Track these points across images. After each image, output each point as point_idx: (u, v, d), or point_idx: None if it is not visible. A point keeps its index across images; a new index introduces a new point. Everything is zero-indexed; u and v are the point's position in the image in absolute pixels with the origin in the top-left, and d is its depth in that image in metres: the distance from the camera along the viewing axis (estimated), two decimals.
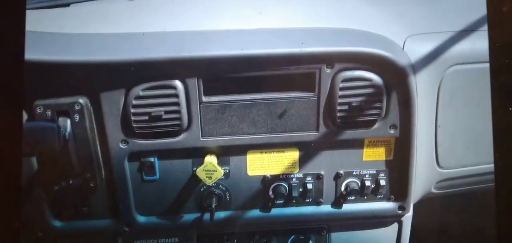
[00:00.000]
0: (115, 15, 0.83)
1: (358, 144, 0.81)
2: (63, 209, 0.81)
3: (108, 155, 0.77)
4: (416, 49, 0.77)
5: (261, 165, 0.81)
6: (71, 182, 0.77)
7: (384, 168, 0.83)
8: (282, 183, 0.83)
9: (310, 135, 0.79)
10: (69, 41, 0.74)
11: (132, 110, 0.73)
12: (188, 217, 0.84)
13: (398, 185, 0.84)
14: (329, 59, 0.73)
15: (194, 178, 0.80)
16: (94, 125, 0.74)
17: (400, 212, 0.86)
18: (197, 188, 0.82)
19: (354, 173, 0.84)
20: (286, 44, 0.73)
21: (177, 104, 0.73)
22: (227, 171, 0.81)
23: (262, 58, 0.72)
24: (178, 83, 0.72)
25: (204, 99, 0.74)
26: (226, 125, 0.77)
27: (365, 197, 0.85)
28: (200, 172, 0.78)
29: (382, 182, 0.83)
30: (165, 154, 0.79)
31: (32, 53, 0.68)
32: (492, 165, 0.68)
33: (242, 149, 0.80)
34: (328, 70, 0.74)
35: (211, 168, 0.78)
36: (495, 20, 0.64)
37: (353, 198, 0.85)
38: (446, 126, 0.81)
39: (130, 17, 0.82)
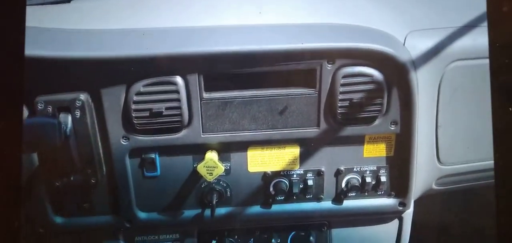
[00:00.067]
0: (116, 11, 0.83)
1: (358, 140, 0.81)
2: (64, 205, 0.81)
3: (109, 151, 0.77)
4: (417, 45, 0.77)
5: (262, 161, 0.82)
6: (72, 178, 0.77)
7: (385, 165, 0.83)
8: (283, 179, 0.83)
9: (311, 131, 0.79)
10: (70, 37, 0.73)
11: (133, 106, 0.73)
12: (189, 213, 0.84)
13: (398, 182, 0.84)
14: (330, 55, 0.73)
15: (195, 174, 0.80)
16: (95, 121, 0.75)
17: (400, 208, 0.86)
18: (198, 184, 0.82)
19: (354, 169, 0.84)
20: (287, 40, 0.73)
21: (178, 100, 0.73)
22: (228, 167, 0.81)
23: (263, 54, 0.72)
24: (179, 79, 0.72)
25: (205, 95, 0.74)
26: (227, 121, 0.77)
27: (366, 193, 0.85)
28: (201, 168, 0.78)
29: (383, 179, 0.83)
30: (166, 150, 0.79)
31: (33, 49, 0.68)
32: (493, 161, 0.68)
33: (243, 146, 0.80)
34: (329, 66, 0.74)
35: (212, 165, 0.78)
36: (495, 20, 0.64)
37: (353, 194, 0.85)
38: (447, 122, 0.81)
39: (131, 13, 0.82)
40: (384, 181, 0.83)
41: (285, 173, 0.83)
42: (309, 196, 0.85)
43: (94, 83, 0.72)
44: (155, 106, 0.73)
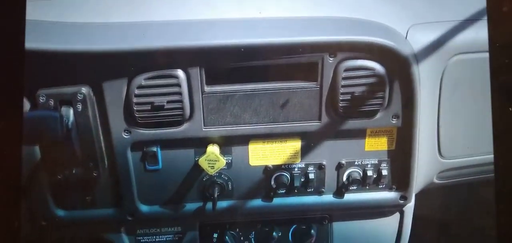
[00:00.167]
0: (118, 4, 0.83)
1: (360, 134, 0.81)
2: (66, 198, 0.81)
3: (111, 145, 0.77)
4: (419, 39, 0.76)
5: (263, 155, 0.82)
6: (74, 171, 0.77)
7: (386, 158, 0.83)
8: (284, 173, 0.83)
9: (312, 125, 0.79)
10: (72, 30, 0.73)
11: (135, 100, 0.73)
12: (191, 206, 0.84)
13: (400, 175, 0.84)
14: (331, 48, 0.73)
15: (197, 168, 0.80)
16: (97, 115, 0.75)
17: (402, 202, 0.86)
18: (200, 177, 0.82)
19: (356, 163, 0.84)
20: (289, 33, 0.73)
21: (179, 93, 0.73)
22: (229, 160, 0.81)
23: (265, 47, 0.72)
24: (180, 73, 0.72)
25: (206, 89, 0.74)
26: (228, 115, 0.77)
27: (367, 187, 0.85)
28: (203, 161, 0.78)
29: (384, 172, 0.83)
30: (167, 143, 0.79)
31: (34, 42, 0.68)
32: None
33: (244, 139, 0.80)
34: (331, 60, 0.74)
35: (213, 158, 0.78)
36: (495, 20, 0.64)
37: (355, 187, 0.85)
38: (449, 116, 0.81)
39: (132, 7, 0.82)
40: (386, 175, 0.83)
41: (286, 167, 0.83)
42: (310, 190, 0.85)
43: (96, 77, 0.72)
44: (157, 100, 0.73)
